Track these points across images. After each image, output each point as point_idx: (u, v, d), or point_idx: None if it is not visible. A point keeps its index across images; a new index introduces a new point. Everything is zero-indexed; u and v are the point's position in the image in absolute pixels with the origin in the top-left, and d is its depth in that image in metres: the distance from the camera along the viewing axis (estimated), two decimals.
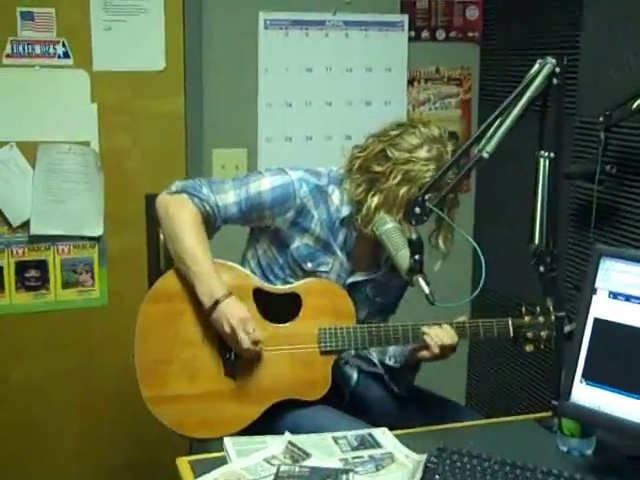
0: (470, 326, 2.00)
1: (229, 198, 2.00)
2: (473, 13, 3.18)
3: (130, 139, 2.85)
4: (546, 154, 1.76)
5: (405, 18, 3.09)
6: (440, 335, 1.95)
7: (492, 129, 1.73)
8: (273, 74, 2.99)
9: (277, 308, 2.00)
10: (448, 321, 1.99)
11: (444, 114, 3.20)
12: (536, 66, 1.74)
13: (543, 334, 1.97)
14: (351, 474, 1.56)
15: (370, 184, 1.96)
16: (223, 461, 1.66)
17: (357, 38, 3.05)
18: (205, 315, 1.94)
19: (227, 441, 1.72)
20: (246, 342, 1.91)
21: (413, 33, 3.11)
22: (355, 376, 2.23)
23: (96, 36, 2.75)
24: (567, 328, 1.81)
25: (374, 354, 2.20)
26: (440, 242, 1.98)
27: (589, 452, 1.71)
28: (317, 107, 3.05)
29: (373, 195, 1.95)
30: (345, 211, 2.03)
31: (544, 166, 1.77)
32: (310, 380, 2.00)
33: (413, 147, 1.94)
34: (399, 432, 1.79)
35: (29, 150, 2.74)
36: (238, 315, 1.91)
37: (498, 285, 2.76)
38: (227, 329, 1.91)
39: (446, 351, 1.97)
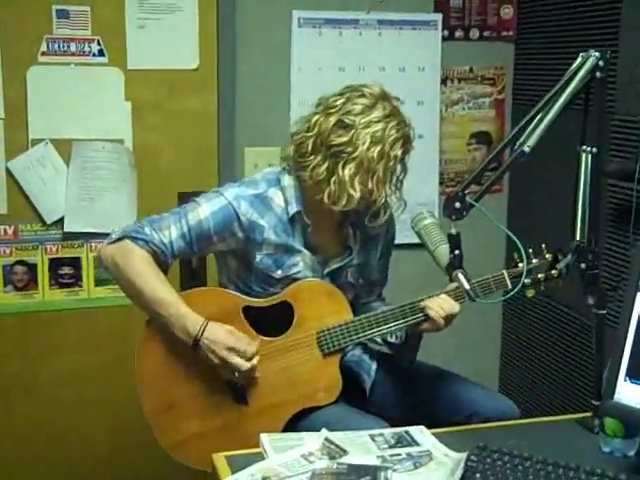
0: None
1: (172, 233, 1.95)
2: (507, 12, 3.15)
3: (163, 137, 2.85)
4: (588, 149, 1.73)
5: (439, 17, 3.07)
6: (443, 306, 1.92)
7: (533, 123, 1.70)
8: (306, 73, 2.98)
9: (271, 321, 1.98)
10: (444, 291, 1.95)
11: (477, 114, 3.18)
12: (579, 59, 1.71)
13: (540, 276, 1.92)
14: (389, 471, 1.54)
15: (335, 158, 1.90)
16: (260, 457, 1.65)
17: (390, 37, 3.04)
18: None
19: (264, 437, 1.71)
20: (242, 365, 1.89)
21: (447, 32, 3.09)
22: (374, 366, 2.19)
23: (130, 34, 2.76)
24: (561, 264, 1.77)
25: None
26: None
27: (632, 453, 1.68)
28: None
29: (343, 167, 1.88)
30: (292, 209, 1.99)
31: (586, 161, 1.73)
32: (321, 385, 1.99)
33: (367, 107, 1.90)
34: (437, 430, 1.77)
35: (63, 148, 2.76)
36: (222, 343, 1.88)
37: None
38: (216, 361, 1.89)
39: (448, 320, 1.93)
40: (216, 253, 2.10)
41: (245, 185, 2.01)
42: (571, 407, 2.90)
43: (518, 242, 1.63)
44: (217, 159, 2.91)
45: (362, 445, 1.70)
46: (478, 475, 1.52)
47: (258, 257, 2.00)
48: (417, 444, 1.71)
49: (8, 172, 2.73)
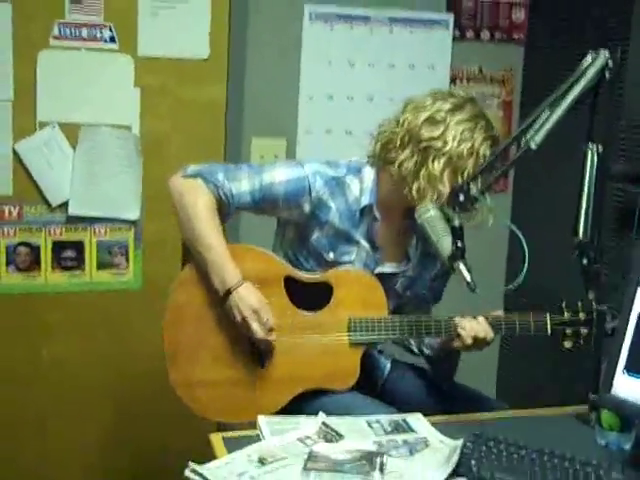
0: (506, 321, 1.97)
1: (243, 186, 1.97)
2: (519, 15, 3.17)
3: (171, 125, 2.86)
4: (594, 147, 1.74)
5: (450, 17, 3.09)
6: (474, 327, 1.92)
7: (540, 121, 1.71)
8: (316, 67, 3.00)
9: (308, 296, 1.99)
10: (484, 314, 1.96)
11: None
12: (588, 58, 1.72)
13: (583, 331, 1.94)
14: (385, 457, 1.55)
15: (425, 152, 1.92)
16: (256, 439, 1.65)
17: (401, 35, 3.06)
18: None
19: (261, 419, 1.72)
20: (259, 332, 1.90)
21: (458, 32, 3.11)
22: (388, 366, 2.22)
23: (142, 21, 2.77)
24: (610, 325, 1.78)
25: (413, 342, 2.16)
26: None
27: (627, 447, 1.69)
28: (358, 102, 3.05)
29: (433, 161, 1.91)
30: (365, 200, 2.00)
31: (592, 159, 1.74)
32: (338, 370, 1.99)
33: (457, 106, 1.93)
34: (433, 419, 1.78)
35: (71, 132, 2.77)
36: (249, 304, 1.89)
37: (533, 285, 2.74)
38: (239, 318, 1.90)
39: (479, 344, 1.94)
40: (278, 219, 2.12)
41: (327, 164, 2.03)
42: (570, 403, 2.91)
43: (520, 234, 1.66)
44: (223, 148, 2.93)
45: (359, 431, 1.71)
46: (473, 462, 1.52)
47: (316, 234, 2.02)
48: (414, 431, 1.72)
49: (15, 154, 2.74)
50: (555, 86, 2.99)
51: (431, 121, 1.93)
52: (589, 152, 1.75)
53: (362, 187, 2.01)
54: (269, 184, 1.98)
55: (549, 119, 1.69)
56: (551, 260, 2.52)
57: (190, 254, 2.01)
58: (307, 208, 1.99)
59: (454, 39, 3.11)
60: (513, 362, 3.35)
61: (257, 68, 2.93)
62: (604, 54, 1.69)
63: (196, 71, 2.85)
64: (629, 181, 2.41)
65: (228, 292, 1.91)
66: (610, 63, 1.69)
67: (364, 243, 2.04)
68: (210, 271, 1.93)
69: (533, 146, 1.66)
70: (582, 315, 1.95)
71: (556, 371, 3.05)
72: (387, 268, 2.07)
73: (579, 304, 1.95)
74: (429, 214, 1.81)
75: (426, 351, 2.12)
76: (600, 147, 1.72)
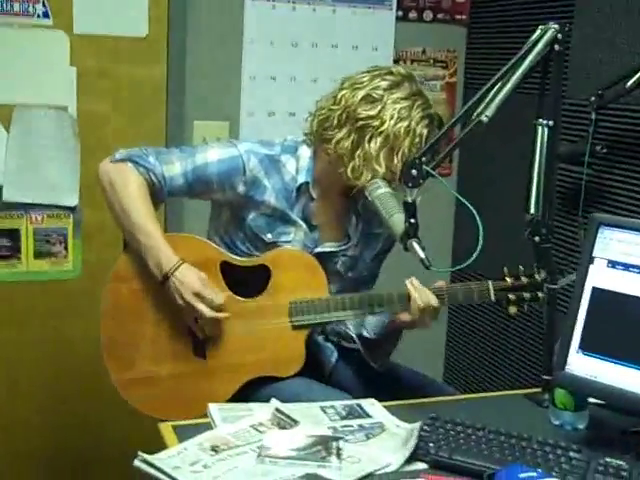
0: (448, 290, 1.93)
1: (175, 169, 1.92)
2: None
3: (109, 106, 2.77)
4: (545, 122, 1.72)
5: None
6: (421, 294, 1.87)
7: (491, 94, 1.69)
8: (258, 47, 2.93)
9: (246, 281, 1.94)
10: (426, 287, 1.92)
11: (429, 96, 3.15)
12: (537, 32, 1.70)
13: (526, 295, 1.93)
14: (341, 442, 1.52)
15: (361, 131, 1.89)
16: (207, 427, 1.60)
17: (345, 15, 3.01)
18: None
19: (212, 407, 1.67)
20: (207, 312, 1.85)
21: (401, 13, 3.08)
22: (335, 354, 2.18)
23: None
24: (563, 281, 1.78)
25: (351, 327, 2.12)
26: None
27: (582, 426, 1.68)
28: (302, 83, 3.01)
29: (369, 140, 1.88)
30: (301, 179, 1.96)
31: (542, 135, 1.73)
32: (283, 356, 1.95)
33: (395, 84, 1.90)
34: (388, 403, 1.75)
35: (3, 113, 2.65)
36: (191, 286, 1.84)
37: (478, 267, 2.74)
38: (181, 303, 1.85)
39: (427, 314, 1.88)
40: (212, 202, 2.06)
41: (260, 144, 1.98)
42: (515, 387, 2.93)
43: (472, 209, 1.63)
44: (165, 131, 2.85)
45: (313, 416, 1.67)
46: (431, 444, 1.50)
47: (252, 215, 1.97)
48: (369, 416, 1.69)
49: None
50: (498, 68, 3.01)
51: (368, 99, 1.90)
52: (539, 128, 1.73)
53: (298, 166, 1.98)
54: (202, 165, 1.93)
55: (499, 93, 1.67)
56: (495, 243, 2.51)
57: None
58: (241, 188, 1.94)
59: (397, 19, 3.08)
60: (460, 347, 3.36)
61: (198, 47, 2.85)
62: (553, 27, 1.68)
63: (135, 50, 2.76)
64: (572, 162, 2.42)
65: (166, 276, 1.85)
66: (560, 36, 1.68)
67: (301, 223, 1.99)
68: (146, 257, 1.87)
69: (484, 119, 1.63)
70: (524, 279, 1.94)
71: (503, 356, 3.07)
72: (327, 248, 2.03)
73: (520, 268, 1.94)
74: (380, 191, 1.78)
75: (365, 334, 2.07)
76: (551, 122, 1.70)
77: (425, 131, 1.90)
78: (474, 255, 1.59)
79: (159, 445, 1.53)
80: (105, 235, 2.76)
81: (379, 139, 1.88)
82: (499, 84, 1.68)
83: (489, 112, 1.64)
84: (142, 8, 2.73)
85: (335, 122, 1.92)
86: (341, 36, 3.02)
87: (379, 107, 1.88)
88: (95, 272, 2.78)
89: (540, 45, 1.68)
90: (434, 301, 1.88)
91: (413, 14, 3.10)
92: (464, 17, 3.17)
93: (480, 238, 1.59)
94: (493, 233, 2.45)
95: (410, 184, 1.62)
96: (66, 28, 2.66)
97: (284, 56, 2.97)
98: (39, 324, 2.82)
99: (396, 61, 3.09)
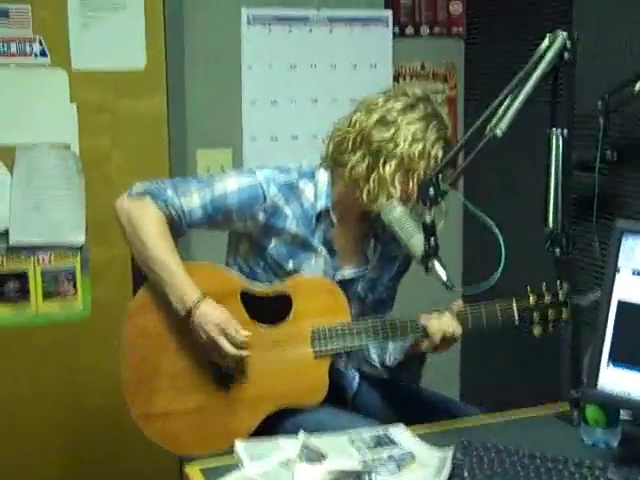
0: (472, 312, 1.89)
1: (194, 201, 1.89)
2: (457, 8, 3.14)
3: (111, 141, 2.75)
4: (559, 131, 1.69)
5: (389, 13, 3.05)
6: (442, 324, 1.84)
7: (503, 107, 1.65)
8: (257, 71, 2.92)
9: (267, 310, 1.90)
10: (447, 308, 1.88)
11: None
12: (546, 41, 1.67)
13: (551, 312, 1.88)
14: (373, 475, 1.47)
15: (376, 155, 1.85)
16: (235, 467, 1.55)
17: (341, 34, 3.00)
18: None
19: (238, 445, 1.62)
20: (229, 349, 1.81)
21: (397, 29, 3.07)
22: (357, 378, 2.14)
23: (74, 34, 2.66)
24: (587, 298, 1.73)
25: (375, 357, 2.08)
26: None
27: (615, 443, 1.64)
28: (302, 104, 2.99)
29: (384, 164, 1.84)
30: (321, 205, 1.93)
31: (557, 144, 1.69)
32: (306, 386, 1.91)
33: (409, 106, 1.87)
34: (415, 428, 1.70)
35: (6, 154, 2.64)
36: (214, 321, 1.80)
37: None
38: (205, 339, 1.81)
39: (448, 341, 1.86)
40: (230, 233, 2.03)
41: (278, 170, 1.95)
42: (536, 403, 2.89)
43: (495, 228, 1.58)
44: (168, 162, 2.82)
45: (342, 449, 1.62)
46: (466, 473, 1.46)
47: (273, 243, 1.93)
48: (397, 444, 1.64)
49: None
50: (496, 79, 2.98)
51: (382, 122, 1.87)
52: (554, 137, 1.69)
53: (317, 191, 1.94)
54: (221, 195, 1.89)
55: (512, 105, 1.63)
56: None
57: (142, 277, 1.90)
58: (262, 217, 1.91)
59: (394, 36, 3.06)
60: (476, 363, 3.31)
61: (197, 76, 2.84)
62: (562, 35, 1.64)
63: (134, 83, 2.74)
64: (582, 169, 2.38)
65: (189, 312, 1.81)
66: (568, 44, 1.65)
67: (322, 249, 1.96)
68: (167, 292, 1.84)
69: (499, 133, 1.60)
70: (547, 298, 1.89)
71: (520, 370, 3.03)
72: (347, 273, 2.00)
73: (543, 286, 1.89)
74: (396, 212, 1.74)
75: (388, 361, 2.04)
76: (565, 131, 1.67)
77: (440, 153, 1.86)
78: (497, 273, 1.55)
79: None
80: (113, 272, 2.73)
81: (393, 162, 1.84)
82: (510, 97, 1.65)
83: (503, 125, 1.60)
84: (139, 41, 2.72)
85: (350, 146, 1.89)
86: (339, 55, 3.01)
87: (393, 130, 1.85)
88: (105, 310, 2.76)
89: (550, 54, 1.64)
90: (457, 331, 1.84)
91: (410, 30, 3.09)
92: (460, 30, 3.15)
93: (502, 255, 1.55)
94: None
95: (428, 203, 1.59)
96: (64, 65, 2.65)
97: (283, 79, 2.96)
98: (51, 367, 2.78)
99: (395, 77, 3.08)
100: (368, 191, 1.86)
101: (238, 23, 2.86)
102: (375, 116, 1.87)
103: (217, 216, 1.91)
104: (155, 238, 1.85)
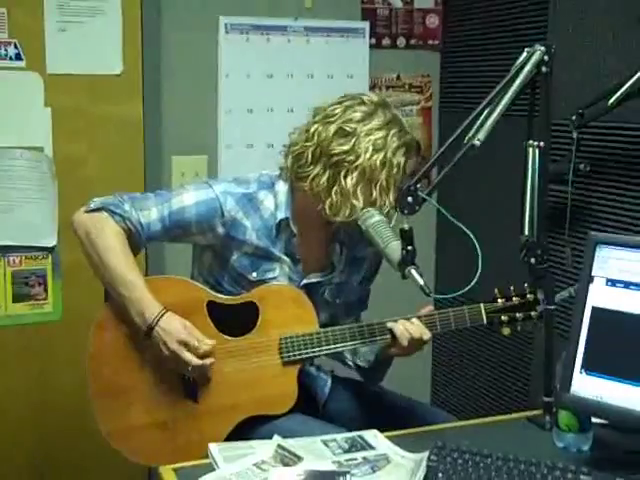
0: (440, 316, 1.90)
1: (152, 215, 1.89)
2: (433, 21, 3.18)
3: (86, 145, 2.73)
4: (535, 143, 1.72)
5: (366, 25, 3.07)
6: (409, 328, 1.84)
7: (481, 118, 1.68)
8: (234, 80, 2.92)
9: (234, 320, 1.90)
10: (416, 314, 1.90)
11: (405, 121, 3.17)
12: (524, 54, 1.71)
13: (519, 315, 1.91)
14: (348, 476, 1.48)
15: (336, 167, 1.84)
16: (209, 468, 1.56)
17: (318, 44, 3.02)
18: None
19: (212, 447, 1.63)
20: (192, 361, 1.80)
21: (374, 40, 3.09)
22: (329, 383, 2.14)
23: (50, 38, 2.64)
24: (561, 295, 1.76)
25: (348, 355, 2.09)
26: None
27: (586, 448, 1.67)
28: (279, 114, 2.99)
29: (345, 176, 1.83)
30: (280, 215, 1.93)
31: (533, 155, 1.73)
32: (276, 394, 1.91)
33: (367, 115, 1.85)
34: (389, 434, 1.71)
35: None
36: (175, 336, 1.79)
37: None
38: (167, 353, 1.80)
39: (416, 345, 1.86)
40: (194, 245, 2.03)
41: (236, 182, 1.94)
42: (505, 409, 2.91)
43: (471, 235, 1.61)
44: (143, 168, 2.81)
45: (316, 451, 1.63)
46: (440, 475, 1.47)
47: (235, 255, 1.93)
48: (372, 447, 1.65)
49: None
50: (472, 90, 3.03)
51: (341, 133, 1.85)
52: (530, 149, 1.73)
53: (277, 201, 1.94)
54: (179, 209, 1.89)
55: (490, 116, 1.66)
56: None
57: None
58: (221, 230, 1.91)
59: (371, 47, 3.09)
60: (446, 369, 3.34)
61: (173, 83, 2.83)
62: (540, 49, 1.68)
63: (110, 88, 2.73)
64: (556, 181, 2.42)
65: (150, 327, 1.80)
66: (546, 58, 1.68)
67: (285, 258, 1.96)
68: (128, 308, 1.83)
69: (477, 143, 1.63)
70: (516, 299, 1.92)
71: (490, 377, 3.06)
72: (313, 279, 2.00)
73: (511, 289, 1.92)
74: (374, 219, 1.75)
75: (360, 363, 2.06)
76: (542, 143, 1.70)
77: (402, 160, 1.86)
78: (474, 280, 1.57)
79: None
80: (85, 275, 2.67)
81: (355, 174, 1.83)
82: (489, 108, 1.67)
83: (481, 136, 1.63)
84: (116, 46, 2.71)
85: (310, 158, 1.87)
86: (316, 66, 3.02)
87: (353, 141, 1.83)
88: (76, 313, 2.73)
89: (528, 67, 1.68)
90: (426, 335, 1.85)
91: (386, 41, 3.12)
92: (437, 42, 3.19)
93: (479, 261, 1.58)
94: (475, 256, 2.46)
95: (406, 211, 1.60)
96: (39, 69, 2.63)
97: (260, 88, 2.96)
98: (21, 368, 2.75)
99: (372, 88, 3.10)
100: (330, 204, 1.85)
101: (216, 31, 2.86)
102: (333, 127, 1.85)
103: (175, 229, 1.91)
104: (113, 252, 1.84)
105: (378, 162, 1.82)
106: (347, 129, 1.84)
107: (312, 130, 1.89)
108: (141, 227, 1.88)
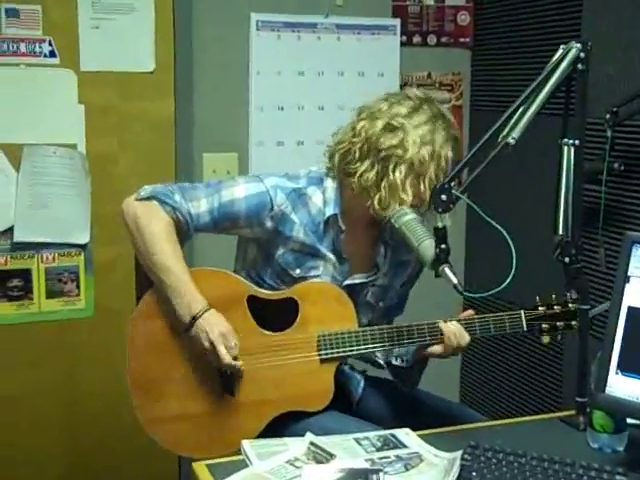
0: (480, 321, 1.91)
1: (202, 206, 1.89)
2: (464, 18, 3.16)
3: (118, 142, 2.75)
4: (571, 142, 1.71)
5: (397, 22, 3.06)
6: (456, 333, 1.86)
7: (516, 116, 1.67)
8: (265, 77, 2.92)
9: (274, 315, 1.91)
10: (455, 318, 1.91)
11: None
12: (560, 51, 1.69)
13: (559, 324, 1.90)
14: (381, 474, 1.48)
15: (385, 162, 1.85)
16: (242, 465, 1.56)
17: (349, 42, 3.01)
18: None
19: (245, 444, 1.63)
20: (227, 358, 1.81)
21: (405, 38, 3.08)
22: (362, 382, 2.15)
23: (83, 35, 2.66)
24: (596, 310, 1.75)
25: (380, 357, 2.09)
26: None
27: (621, 448, 1.65)
28: (309, 111, 3.00)
29: (394, 170, 1.84)
30: (329, 211, 1.93)
31: (568, 154, 1.71)
32: (312, 391, 1.91)
33: (414, 109, 1.87)
34: (421, 432, 1.71)
35: (13, 153, 2.63)
36: (217, 330, 1.81)
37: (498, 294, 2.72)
38: (207, 345, 1.81)
39: (457, 349, 1.89)
40: (239, 237, 2.04)
41: (287, 177, 1.95)
42: (536, 410, 2.89)
43: (506, 234, 1.60)
44: (174, 165, 2.83)
45: (349, 449, 1.63)
46: (474, 474, 1.46)
47: (280, 251, 1.93)
48: (404, 446, 1.65)
49: None
50: (503, 89, 3.01)
51: (388, 128, 1.86)
52: (565, 148, 1.71)
53: (325, 198, 1.94)
54: (229, 201, 1.90)
55: (525, 114, 1.65)
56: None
57: (146, 278, 1.91)
58: (269, 224, 1.91)
59: (402, 44, 3.08)
60: (475, 369, 3.32)
61: (205, 80, 2.84)
62: (576, 46, 1.67)
63: (142, 85, 2.75)
64: (590, 180, 2.40)
65: (194, 319, 1.81)
66: (582, 55, 1.67)
67: (330, 256, 1.96)
68: (172, 298, 1.83)
69: (511, 141, 1.61)
70: (557, 308, 1.91)
71: (520, 377, 3.04)
72: (356, 279, 2.00)
73: (553, 297, 1.92)
74: (407, 217, 1.75)
75: (394, 362, 2.04)
76: (577, 142, 1.69)
77: (450, 153, 1.87)
78: (508, 279, 1.56)
79: None
80: (117, 272, 2.73)
81: (403, 167, 1.84)
82: (524, 106, 1.66)
83: (515, 134, 1.62)
84: (148, 43, 2.73)
85: (357, 155, 1.88)
86: (346, 63, 3.02)
87: (401, 135, 1.85)
88: (108, 310, 2.76)
89: (564, 64, 1.67)
90: (466, 339, 1.87)
91: (417, 39, 3.11)
92: (468, 40, 3.17)
93: (513, 261, 1.57)
94: (506, 253, 2.44)
95: (440, 209, 1.60)
96: (73, 66, 2.65)
97: (291, 85, 2.97)
98: (53, 364, 2.77)
99: (402, 86, 3.08)
100: (379, 199, 1.85)
101: (247, 28, 2.87)
102: (380, 123, 1.87)
103: (224, 222, 1.91)
104: (161, 242, 1.85)
105: (427, 155, 1.84)
106: (394, 124, 1.86)
107: (359, 127, 1.90)
108: (190, 218, 1.89)
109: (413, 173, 1.85)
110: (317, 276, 1.95)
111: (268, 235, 1.93)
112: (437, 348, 1.90)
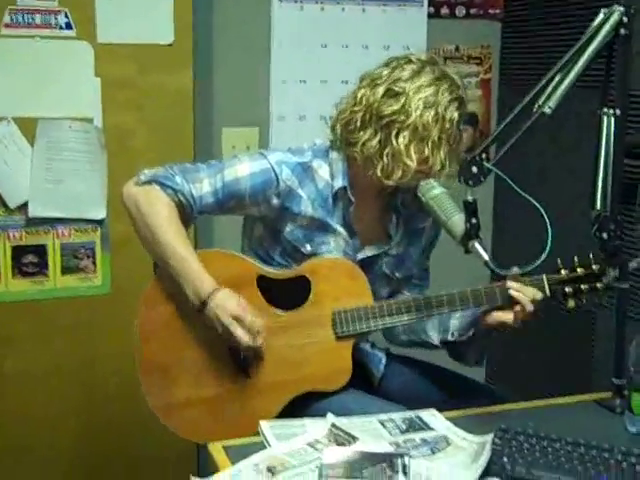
0: (500, 289, 1.77)
1: (204, 187, 1.83)
2: None
3: (135, 116, 2.67)
4: (611, 112, 1.61)
5: None
6: (524, 290, 1.70)
7: (552, 85, 1.58)
8: (287, 50, 2.85)
9: (285, 294, 1.85)
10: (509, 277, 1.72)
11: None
12: (600, 16, 1.60)
13: (584, 287, 1.76)
14: (406, 458, 1.40)
15: (387, 129, 1.77)
16: (260, 446, 1.50)
17: (374, 13, 2.92)
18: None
19: (263, 424, 1.58)
20: (244, 338, 1.74)
21: (432, 9, 2.99)
22: (384, 359, 2.08)
23: (100, 6, 2.57)
24: (632, 264, 1.65)
25: (433, 334, 1.96)
26: None
27: None
28: (333, 85, 2.91)
29: (396, 136, 1.76)
30: (337, 184, 1.86)
31: (608, 125, 1.62)
32: (329, 369, 1.85)
33: (415, 72, 1.78)
34: (447, 414, 1.64)
35: (28, 126, 2.56)
36: (229, 311, 1.74)
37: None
38: (220, 329, 1.75)
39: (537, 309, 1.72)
40: (245, 217, 1.98)
41: (291, 152, 1.89)
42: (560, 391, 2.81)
43: (542, 210, 1.51)
44: (192, 140, 2.75)
45: (372, 431, 1.57)
46: (505, 459, 1.39)
47: (289, 228, 1.87)
48: (430, 428, 1.58)
49: None
50: (533, 62, 2.90)
51: (390, 94, 1.78)
52: (605, 118, 1.62)
53: (332, 170, 1.87)
54: (233, 180, 1.83)
55: (562, 83, 1.56)
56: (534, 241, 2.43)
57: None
58: (275, 201, 1.84)
59: (429, 16, 2.98)
60: (501, 350, 3.23)
61: (225, 53, 2.77)
62: (619, 9, 1.57)
63: (160, 58, 2.65)
64: (629, 155, 2.29)
65: (204, 303, 1.75)
66: (625, 19, 1.57)
67: (341, 230, 1.89)
68: (180, 282, 1.77)
69: (548, 111, 1.53)
70: (580, 271, 1.77)
71: (549, 356, 2.95)
72: (368, 252, 1.93)
73: (575, 260, 1.79)
74: (435, 192, 1.67)
75: (450, 338, 1.91)
76: (618, 111, 1.59)
77: (456, 114, 1.77)
78: (543, 256, 1.48)
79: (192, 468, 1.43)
80: (134, 248, 2.63)
81: (407, 133, 1.76)
82: (560, 74, 1.57)
83: (552, 103, 1.54)
84: (167, 15, 2.64)
85: (359, 124, 1.81)
86: (372, 36, 2.93)
87: (402, 100, 1.76)
88: (125, 286, 2.69)
89: (605, 30, 1.57)
90: (539, 294, 1.72)
91: (445, 10, 3.01)
92: (498, 12, 3.08)
93: (549, 238, 1.48)
94: (532, 231, 2.36)
95: (471, 182, 1.52)
96: (90, 38, 2.58)
97: (314, 58, 2.89)
98: (69, 342, 2.72)
99: None
100: (382, 167, 1.79)
101: None
102: (381, 89, 1.80)
103: (229, 202, 1.85)
104: (164, 226, 1.79)
105: (430, 119, 1.75)
106: (396, 89, 1.78)
107: (360, 95, 1.83)
108: (193, 200, 1.83)
109: (417, 138, 1.76)
110: (328, 252, 1.89)
111: (275, 213, 1.86)
112: (504, 314, 1.75)
